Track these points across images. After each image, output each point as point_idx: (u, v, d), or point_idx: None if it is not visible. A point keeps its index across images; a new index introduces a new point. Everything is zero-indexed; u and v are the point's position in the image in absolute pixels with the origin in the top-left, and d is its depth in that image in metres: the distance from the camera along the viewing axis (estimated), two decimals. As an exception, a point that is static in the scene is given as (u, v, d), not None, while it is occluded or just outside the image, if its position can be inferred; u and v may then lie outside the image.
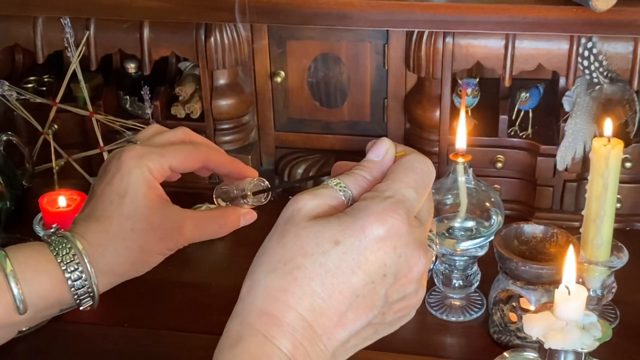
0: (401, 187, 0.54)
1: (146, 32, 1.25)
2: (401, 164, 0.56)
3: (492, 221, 1.04)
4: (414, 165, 0.56)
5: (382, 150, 0.57)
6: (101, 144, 1.30)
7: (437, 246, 0.60)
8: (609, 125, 0.96)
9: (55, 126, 1.33)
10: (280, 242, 0.53)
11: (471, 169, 1.03)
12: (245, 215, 0.80)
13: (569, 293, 0.78)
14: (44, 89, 1.39)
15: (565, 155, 1.21)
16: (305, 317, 0.51)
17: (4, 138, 1.26)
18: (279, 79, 1.31)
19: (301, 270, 0.51)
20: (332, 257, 0.51)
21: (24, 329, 1.05)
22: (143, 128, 1.27)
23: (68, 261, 0.70)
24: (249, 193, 0.77)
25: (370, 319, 0.53)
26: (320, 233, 0.51)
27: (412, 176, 0.55)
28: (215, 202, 0.83)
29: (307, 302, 0.51)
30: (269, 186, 0.77)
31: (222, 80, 1.30)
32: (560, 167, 1.22)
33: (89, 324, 1.08)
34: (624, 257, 1.00)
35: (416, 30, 1.20)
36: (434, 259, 0.59)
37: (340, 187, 0.55)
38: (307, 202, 0.54)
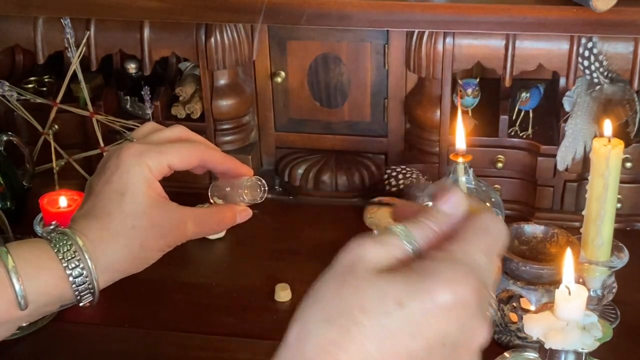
0: (474, 252, 0.50)
1: (146, 32, 1.25)
2: (474, 223, 0.52)
3: (493, 221, 1.04)
4: (488, 227, 0.52)
5: (454, 202, 0.53)
6: (101, 144, 1.30)
7: (495, 310, 0.56)
8: (608, 126, 0.96)
9: (56, 126, 1.33)
10: (338, 292, 0.49)
11: (471, 169, 1.03)
12: (241, 213, 0.80)
13: (569, 293, 0.78)
14: (45, 89, 1.39)
15: (565, 156, 1.21)
16: None
17: (5, 138, 1.26)
18: (279, 79, 1.31)
19: (358, 327, 0.47)
20: (393, 318, 0.47)
21: (18, 332, 1.05)
22: (143, 128, 1.29)
23: (69, 258, 0.70)
24: (245, 191, 0.77)
25: None
26: (383, 290, 0.48)
27: (486, 240, 0.51)
28: (211, 200, 0.83)
29: (363, 353, 0.47)
30: (265, 185, 0.78)
31: (222, 81, 1.30)
32: (560, 167, 1.22)
33: (89, 324, 1.08)
34: (624, 257, 1.00)
35: (416, 31, 1.20)
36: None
37: (408, 237, 0.51)
38: (372, 251, 0.50)
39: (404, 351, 0.47)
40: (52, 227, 0.76)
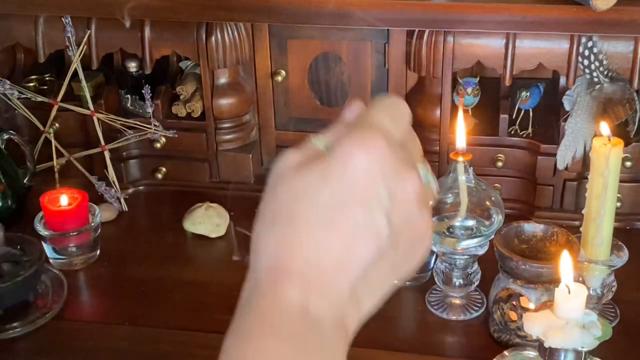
0: (377, 116, 0.53)
1: (147, 31, 1.25)
2: (372, 103, 0.55)
3: (493, 220, 1.04)
4: (387, 102, 0.55)
5: (355, 106, 0.56)
6: (102, 142, 1.30)
7: (436, 186, 0.56)
8: (605, 127, 0.96)
9: (57, 125, 1.33)
10: (272, 198, 0.52)
11: (471, 168, 1.04)
12: None
13: (569, 292, 0.78)
14: (45, 88, 1.39)
15: (565, 155, 1.21)
16: (312, 261, 0.49)
17: (6, 137, 1.26)
18: (279, 78, 1.31)
19: (297, 216, 0.50)
20: (323, 195, 0.50)
21: (18, 329, 1.05)
22: (144, 127, 1.29)
23: None
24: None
25: (379, 247, 0.50)
26: (307, 177, 0.51)
27: (387, 109, 0.54)
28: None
29: (311, 246, 0.49)
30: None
31: (223, 79, 1.30)
32: (560, 166, 1.22)
33: (89, 323, 1.09)
34: (624, 256, 1.01)
35: (417, 30, 1.20)
36: (436, 195, 0.56)
37: (321, 140, 0.54)
38: (291, 157, 0.53)
39: (346, 220, 0.49)
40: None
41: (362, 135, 0.51)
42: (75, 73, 1.28)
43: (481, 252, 1.06)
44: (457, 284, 1.07)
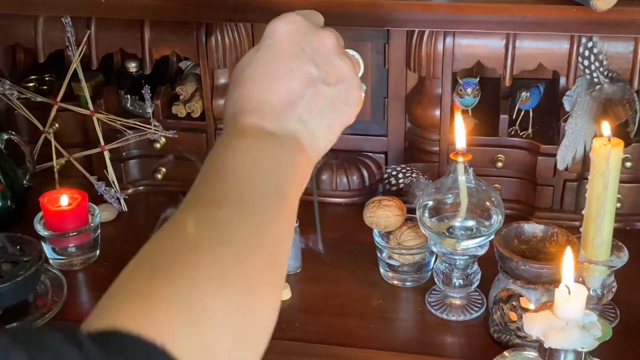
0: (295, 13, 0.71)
1: (147, 31, 1.25)
2: None
3: (493, 220, 1.04)
4: (302, 11, 0.73)
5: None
6: (102, 143, 1.30)
7: (361, 62, 0.77)
8: (607, 126, 0.96)
9: (56, 125, 1.33)
10: (231, 80, 0.71)
11: (471, 168, 1.04)
12: None
13: (569, 292, 0.78)
14: (45, 88, 1.39)
15: (565, 155, 1.21)
16: (263, 101, 0.66)
17: (5, 137, 1.26)
18: (279, 78, 1.31)
19: (245, 79, 0.68)
20: (258, 58, 0.68)
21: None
22: (144, 127, 1.29)
23: None
24: None
25: (313, 81, 0.68)
26: (248, 54, 0.70)
27: (303, 12, 0.72)
28: None
29: (260, 91, 0.67)
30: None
31: (223, 80, 1.30)
32: (560, 166, 1.22)
33: (89, 323, 1.08)
34: (624, 257, 1.01)
35: (417, 30, 1.20)
36: (362, 67, 0.76)
37: None
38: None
39: (281, 67, 0.67)
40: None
41: (280, 16, 0.70)
42: (75, 73, 1.27)
43: (481, 252, 1.06)
44: (457, 284, 1.07)
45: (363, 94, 0.72)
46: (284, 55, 0.68)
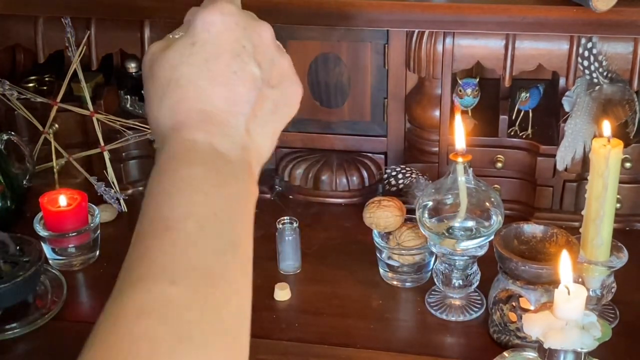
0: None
1: (147, 31, 1.25)
2: None
3: (492, 221, 1.04)
4: None
5: None
6: (102, 143, 1.30)
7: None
8: (607, 127, 0.96)
9: (56, 125, 1.33)
10: (152, 79, 0.59)
11: (471, 169, 1.04)
12: None
13: (568, 293, 0.78)
14: (45, 88, 1.39)
15: (565, 156, 1.21)
16: (206, 109, 0.56)
17: (5, 137, 1.26)
18: (279, 79, 1.31)
19: (180, 80, 0.57)
20: (196, 56, 0.57)
21: (17, 330, 1.05)
22: (144, 128, 1.29)
23: None
24: None
25: (257, 87, 0.59)
26: (177, 47, 0.58)
27: None
28: None
29: (201, 98, 0.57)
30: None
31: (222, 80, 1.30)
32: (560, 167, 1.22)
33: (89, 324, 1.07)
34: (623, 257, 1.01)
35: (416, 31, 1.20)
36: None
37: (175, 33, 0.62)
38: (154, 46, 0.61)
39: (222, 68, 0.58)
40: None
41: (212, 4, 0.59)
42: (75, 73, 1.27)
43: (481, 253, 1.06)
44: (456, 284, 1.07)
45: (302, 90, 0.65)
46: (225, 52, 0.58)
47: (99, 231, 1.20)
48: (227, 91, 0.57)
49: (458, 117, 1.04)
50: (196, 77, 0.57)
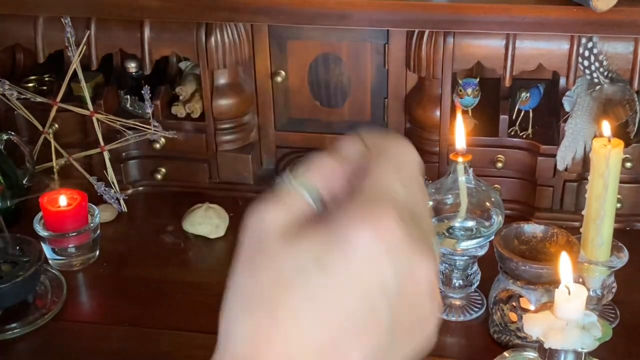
0: (387, 182, 0.42)
1: (147, 31, 1.25)
2: (378, 154, 0.44)
3: (492, 221, 1.04)
4: (395, 153, 0.45)
5: (346, 142, 0.45)
6: (102, 143, 1.30)
7: (438, 246, 0.48)
8: (607, 127, 0.96)
9: (56, 125, 1.33)
10: (252, 275, 0.42)
11: (471, 168, 1.03)
12: None
13: (569, 293, 0.78)
14: (45, 88, 1.39)
15: (565, 155, 1.21)
16: (296, 358, 0.40)
17: (5, 137, 1.26)
18: (279, 79, 1.31)
19: (281, 306, 0.40)
20: (317, 287, 0.40)
21: (17, 330, 1.05)
22: (144, 128, 1.29)
23: None
24: None
25: (378, 344, 0.41)
26: (297, 258, 0.41)
27: (397, 167, 0.44)
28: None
29: (296, 342, 0.40)
30: None
31: (222, 80, 1.30)
32: (560, 167, 1.22)
33: (89, 324, 1.08)
34: (624, 257, 1.01)
35: (417, 30, 1.20)
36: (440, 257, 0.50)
37: (306, 186, 0.44)
38: (272, 217, 0.43)
39: (342, 316, 0.40)
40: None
41: (370, 210, 0.41)
42: (75, 73, 1.27)
43: (481, 253, 1.05)
44: (456, 284, 1.07)
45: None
46: (355, 290, 0.40)
47: (98, 231, 1.20)
48: (331, 343, 0.40)
49: (459, 117, 1.04)
50: (303, 313, 0.40)
